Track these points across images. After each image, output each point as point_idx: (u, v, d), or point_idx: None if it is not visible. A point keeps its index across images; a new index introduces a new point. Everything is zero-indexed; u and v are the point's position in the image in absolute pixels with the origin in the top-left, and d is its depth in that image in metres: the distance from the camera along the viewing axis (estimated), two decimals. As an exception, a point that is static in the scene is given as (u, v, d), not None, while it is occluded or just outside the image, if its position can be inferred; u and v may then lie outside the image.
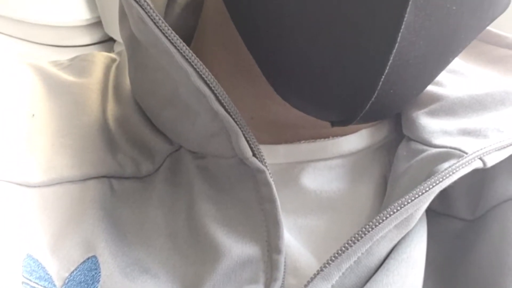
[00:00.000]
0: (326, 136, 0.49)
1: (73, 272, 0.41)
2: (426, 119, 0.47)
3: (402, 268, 0.40)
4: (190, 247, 0.43)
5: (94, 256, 0.42)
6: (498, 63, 0.55)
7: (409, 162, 0.46)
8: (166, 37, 0.41)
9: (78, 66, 0.53)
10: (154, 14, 0.41)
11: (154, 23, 0.41)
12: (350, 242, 0.39)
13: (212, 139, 0.44)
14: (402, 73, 0.38)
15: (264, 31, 0.40)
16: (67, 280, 0.41)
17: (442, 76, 0.51)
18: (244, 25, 0.42)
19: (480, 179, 0.46)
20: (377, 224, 0.39)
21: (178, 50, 0.41)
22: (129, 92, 0.50)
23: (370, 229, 0.39)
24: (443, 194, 0.46)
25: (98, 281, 0.41)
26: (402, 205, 0.39)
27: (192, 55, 0.41)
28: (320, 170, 0.48)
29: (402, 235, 0.41)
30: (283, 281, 0.41)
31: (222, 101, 0.41)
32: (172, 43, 0.41)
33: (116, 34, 1.62)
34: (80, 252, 0.42)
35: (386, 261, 0.40)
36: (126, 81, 0.51)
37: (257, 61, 0.42)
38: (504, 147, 0.43)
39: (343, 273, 0.38)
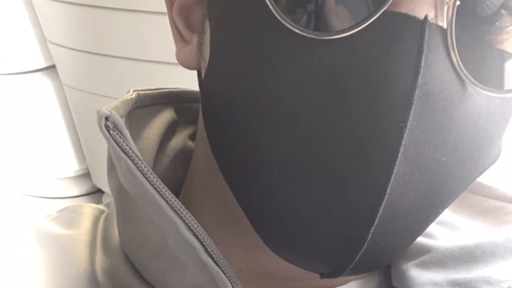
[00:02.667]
0: None
1: None
2: (416, 271, 0.47)
3: None
4: None
5: None
6: (488, 215, 0.55)
7: None
8: (155, 188, 0.41)
9: (66, 217, 0.53)
10: (143, 166, 0.41)
11: (143, 174, 0.41)
12: None
13: (201, 291, 0.43)
14: (392, 225, 0.38)
15: (253, 183, 0.40)
16: None
17: (432, 227, 0.51)
18: (233, 177, 0.43)
19: None
20: None
21: (167, 201, 0.41)
22: (117, 244, 0.49)
23: None
24: None
25: None
26: None
27: (181, 207, 0.41)
28: (309, 322, 0.47)
29: None
30: None
31: (211, 252, 0.41)
32: (161, 195, 0.41)
33: (104, 185, 1.63)
34: None
35: None
36: (115, 233, 0.50)
37: (246, 212, 0.42)
38: None
39: None
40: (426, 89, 0.35)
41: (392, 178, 0.35)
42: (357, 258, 0.38)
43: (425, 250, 0.49)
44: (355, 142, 0.35)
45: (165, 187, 0.41)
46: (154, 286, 0.46)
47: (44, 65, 1.57)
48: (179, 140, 0.56)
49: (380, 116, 0.34)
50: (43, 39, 1.52)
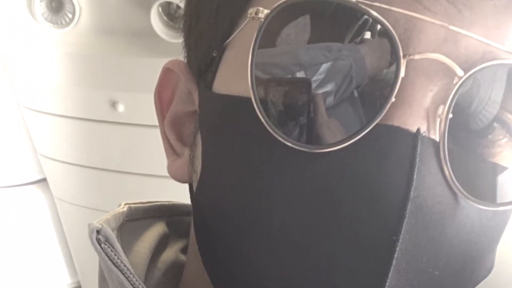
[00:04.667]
0: None
1: None
2: None
3: None
4: None
5: None
6: None
7: None
8: (147, 303, 0.40)
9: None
10: (134, 280, 0.41)
11: None
12: None
13: None
14: None
15: None
16: None
17: None
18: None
19: None
20: None
21: (158, 316, 0.40)
22: None
23: None
24: None
25: None
26: None
27: (172, 320, 0.40)
28: None
29: None
30: None
31: None
32: None
33: (95, 299, 1.60)
34: None
35: None
36: None
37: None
38: None
39: None
40: (419, 202, 0.35)
41: None
42: None
43: None
44: (348, 255, 0.35)
45: None
46: None
47: (36, 178, 1.58)
48: (170, 253, 0.55)
49: (372, 229, 0.34)
50: (34, 152, 1.53)
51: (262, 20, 0.37)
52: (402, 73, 0.35)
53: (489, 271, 0.43)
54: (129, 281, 0.41)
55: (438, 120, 0.36)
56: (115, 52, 1.28)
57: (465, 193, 0.36)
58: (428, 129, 0.36)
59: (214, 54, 0.44)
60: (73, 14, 1.27)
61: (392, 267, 0.34)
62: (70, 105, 1.35)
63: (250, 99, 0.37)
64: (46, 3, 1.28)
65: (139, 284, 0.41)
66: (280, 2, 0.36)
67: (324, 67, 0.36)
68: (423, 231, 0.35)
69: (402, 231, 0.34)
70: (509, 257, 0.76)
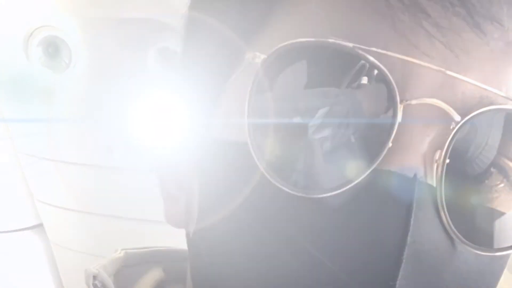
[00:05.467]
0: None
1: None
2: None
3: None
4: None
5: None
6: None
7: None
8: None
9: None
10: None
11: None
12: None
13: None
14: None
15: None
16: None
17: None
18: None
19: None
20: None
21: None
22: None
23: None
24: None
25: None
26: None
27: None
28: None
29: None
30: None
31: None
32: None
33: None
34: None
35: None
36: None
37: None
38: None
39: None
40: (416, 247, 0.35)
41: None
42: None
43: None
44: None
45: None
46: None
47: (32, 223, 1.57)
48: (167, 299, 0.55)
49: (369, 275, 0.34)
50: (30, 197, 1.52)
51: (259, 65, 0.37)
52: (399, 118, 0.35)
53: None
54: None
55: (435, 165, 0.36)
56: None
57: (462, 238, 0.36)
58: (425, 174, 0.36)
59: None
60: (70, 59, 1.27)
61: None
62: (67, 150, 1.35)
63: (246, 144, 0.37)
64: (43, 48, 1.28)
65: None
66: (277, 47, 0.36)
67: (321, 112, 0.36)
68: (420, 276, 0.35)
69: (399, 277, 0.34)
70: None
